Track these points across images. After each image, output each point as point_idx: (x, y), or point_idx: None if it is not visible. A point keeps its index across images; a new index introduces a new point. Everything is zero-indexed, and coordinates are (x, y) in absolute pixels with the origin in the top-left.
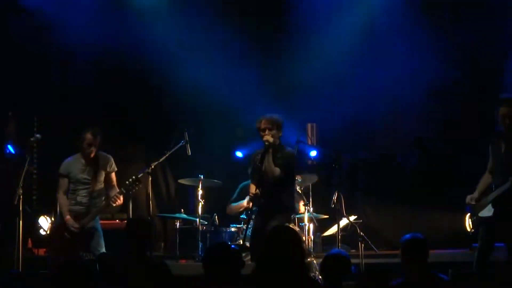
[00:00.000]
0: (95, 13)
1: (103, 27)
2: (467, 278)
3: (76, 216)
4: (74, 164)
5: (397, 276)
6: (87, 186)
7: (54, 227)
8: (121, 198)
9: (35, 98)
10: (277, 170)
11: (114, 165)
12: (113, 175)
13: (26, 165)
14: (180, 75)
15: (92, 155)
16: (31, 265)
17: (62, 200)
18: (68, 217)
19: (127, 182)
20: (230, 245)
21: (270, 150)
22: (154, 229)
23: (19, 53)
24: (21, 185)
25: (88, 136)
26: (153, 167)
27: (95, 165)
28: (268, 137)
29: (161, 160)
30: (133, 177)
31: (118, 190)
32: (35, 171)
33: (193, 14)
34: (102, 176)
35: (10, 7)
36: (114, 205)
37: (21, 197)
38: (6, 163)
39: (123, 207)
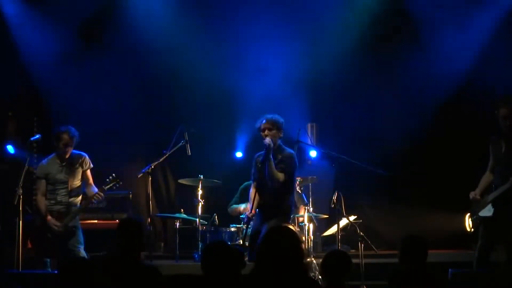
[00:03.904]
0: (96, 14)
1: (104, 29)
2: (467, 278)
3: (57, 216)
4: (51, 165)
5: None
6: (66, 185)
7: (36, 229)
8: (102, 195)
9: (35, 98)
10: (281, 176)
11: (89, 162)
12: (89, 172)
13: (26, 165)
14: (181, 75)
15: (67, 155)
16: (31, 265)
17: (41, 202)
18: (49, 217)
19: (107, 180)
20: (228, 244)
21: (271, 156)
22: (145, 229)
23: (20, 52)
24: (21, 185)
25: (65, 136)
26: (153, 167)
27: (71, 164)
28: (268, 138)
29: (161, 160)
30: (113, 174)
31: (93, 186)
32: (35, 171)
33: (194, 14)
34: (79, 174)
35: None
36: (99, 200)
37: (21, 197)
38: (6, 163)
39: (123, 207)
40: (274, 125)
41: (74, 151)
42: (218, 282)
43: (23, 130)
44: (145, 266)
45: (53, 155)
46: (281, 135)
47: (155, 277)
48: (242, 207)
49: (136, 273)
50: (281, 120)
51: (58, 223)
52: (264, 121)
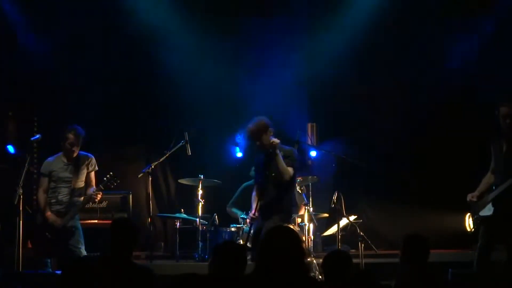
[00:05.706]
0: (96, 14)
1: (104, 29)
2: (467, 278)
3: (56, 215)
4: (55, 163)
5: (393, 276)
6: (68, 185)
7: (36, 228)
8: (101, 194)
9: (35, 98)
10: (290, 170)
11: (95, 164)
12: (93, 174)
13: (26, 165)
14: (181, 75)
15: (74, 154)
16: (31, 265)
17: (42, 198)
18: (49, 213)
19: (105, 179)
20: (239, 244)
21: (277, 152)
22: (137, 230)
23: (20, 52)
24: (21, 185)
25: (70, 136)
26: (153, 167)
27: (76, 164)
28: (274, 139)
29: (161, 160)
30: (111, 173)
31: (93, 187)
32: (35, 171)
33: (194, 14)
34: (83, 175)
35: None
36: (97, 200)
37: (21, 197)
38: (6, 163)
39: (123, 207)
40: (258, 132)
41: (82, 152)
42: (223, 281)
43: (23, 130)
44: (138, 266)
45: (60, 153)
46: (272, 133)
47: (148, 277)
48: (240, 215)
49: (128, 274)
50: (261, 121)
51: (58, 220)
52: (247, 134)
